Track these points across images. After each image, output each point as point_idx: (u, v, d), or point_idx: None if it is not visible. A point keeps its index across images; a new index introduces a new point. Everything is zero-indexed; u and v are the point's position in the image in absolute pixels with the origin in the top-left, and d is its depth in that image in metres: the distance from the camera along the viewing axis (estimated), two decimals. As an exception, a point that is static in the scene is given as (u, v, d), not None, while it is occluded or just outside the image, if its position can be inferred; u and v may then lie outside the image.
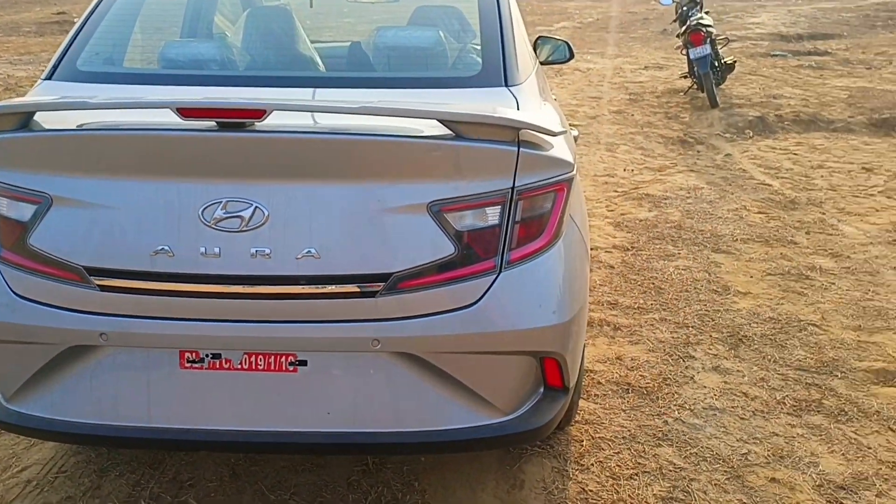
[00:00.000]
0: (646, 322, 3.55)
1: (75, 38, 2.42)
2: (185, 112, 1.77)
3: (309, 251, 1.85)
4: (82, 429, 1.99)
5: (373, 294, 1.88)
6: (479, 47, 2.43)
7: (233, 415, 1.99)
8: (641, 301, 3.76)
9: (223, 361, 1.96)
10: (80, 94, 2.18)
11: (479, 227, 1.92)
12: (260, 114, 1.77)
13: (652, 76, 10.67)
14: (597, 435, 2.72)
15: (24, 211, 1.90)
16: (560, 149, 2.03)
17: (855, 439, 2.68)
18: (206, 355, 1.96)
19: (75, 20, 18.78)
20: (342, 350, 1.95)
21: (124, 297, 1.90)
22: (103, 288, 1.89)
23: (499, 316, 1.94)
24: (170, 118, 1.79)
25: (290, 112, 1.89)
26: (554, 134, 1.97)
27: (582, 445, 2.66)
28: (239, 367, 1.96)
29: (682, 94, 9.06)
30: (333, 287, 1.88)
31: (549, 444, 2.65)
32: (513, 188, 1.92)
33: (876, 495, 2.41)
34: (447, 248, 1.89)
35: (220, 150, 1.84)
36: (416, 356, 1.94)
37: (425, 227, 1.88)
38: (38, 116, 1.90)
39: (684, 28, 8.67)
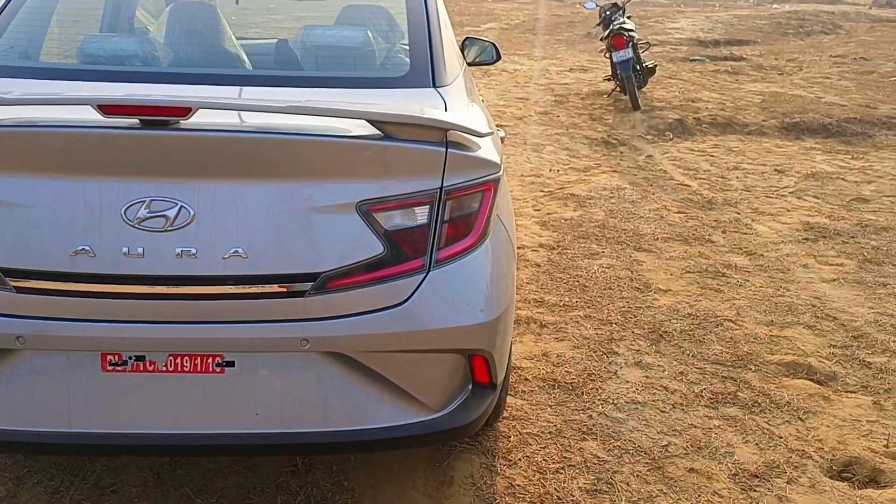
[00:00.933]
0: (571, 319, 3.63)
1: None
2: (106, 109, 1.72)
3: (236, 251, 1.83)
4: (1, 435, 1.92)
5: (301, 294, 1.88)
6: (407, 48, 2.45)
7: (158, 418, 1.95)
8: (567, 298, 3.84)
9: (147, 364, 1.92)
10: None
11: (408, 226, 1.94)
12: (185, 111, 1.74)
13: (577, 78, 10.89)
14: (524, 430, 2.77)
15: None
16: (487, 150, 2.07)
17: (767, 429, 2.81)
18: (130, 358, 1.91)
19: None
20: (270, 350, 1.93)
21: (43, 299, 1.84)
22: (20, 290, 1.83)
23: (427, 314, 1.96)
24: (91, 115, 1.75)
25: (217, 110, 1.86)
26: (481, 135, 2.00)
27: (510, 441, 2.71)
28: (164, 369, 1.92)
29: (605, 96, 9.28)
30: (261, 287, 1.86)
31: (478, 440, 2.69)
32: (441, 188, 1.94)
33: (786, 482, 2.53)
34: (376, 248, 1.90)
35: (144, 148, 1.80)
36: (345, 355, 1.94)
37: (354, 226, 1.88)
38: None
39: (608, 32, 8.89)
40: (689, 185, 5.93)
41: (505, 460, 2.61)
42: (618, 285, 4.03)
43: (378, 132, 1.86)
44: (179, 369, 1.93)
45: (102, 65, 2.35)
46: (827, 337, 3.49)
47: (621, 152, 7.06)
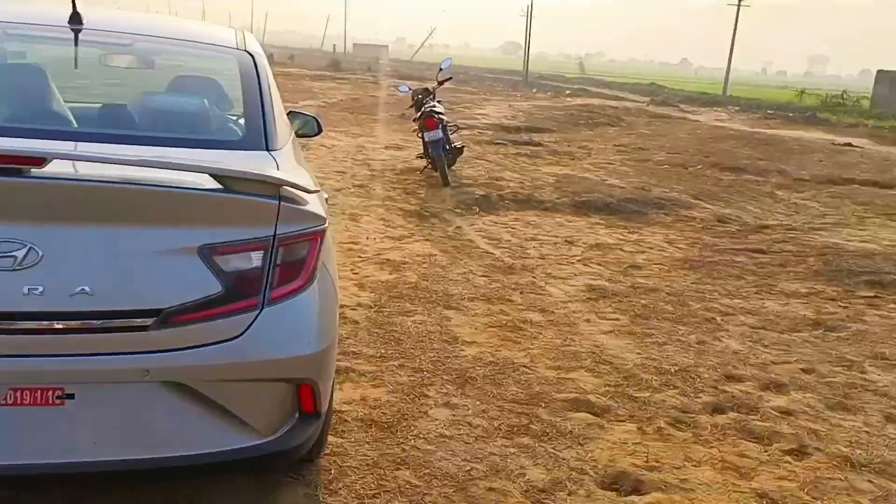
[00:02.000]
0: (387, 368, 3.97)
1: None
2: None
3: (83, 289, 2.01)
4: None
5: (144, 328, 2.08)
6: (240, 114, 2.75)
7: None
8: (383, 351, 4.19)
9: None
10: None
11: (244, 268, 2.21)
12: (40, 161, 1.93)
13: (392, 155, 11.53)
14: (344, 464, 3.04)
15: None
16: (314, 205, 2.40)
17: (553, 453, 3.27)
18: None
19: None
20: (113, 381, 2.10)
21: None
22: None
23: (261, 347, 2.23)
24: None
25: (68, 161, 2.06)
26: (309, 191, 2.34)
27: (331, 473, 2.96)
28: (4, 402, 2.03)
29: (418, 172, 9.94)
30: (106, 322, 2.05)
31: (301, 473, 2.92)
32: (274, 236, 2.24)
33: (568, 494, 2.98)
34: (215, 287, 2.15)
35: None
36: (183, 385, 2.15)
37: (196, 267, 2.13)
38: None
39: (420, 114, 9.60)
40: (492, 253, 6.55)
41: (326, 490, 2.86)
42: (429, 338, 4.44)
43: (220, 185, 2.14)
44: (19, 402, 2.05)
45: None
46: (603, 378, 4.07)
47: (433, 223, 7.62)
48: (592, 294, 5.54)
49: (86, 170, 2.09)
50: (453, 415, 3.54)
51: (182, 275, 2.12)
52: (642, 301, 5.42)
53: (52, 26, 2.94)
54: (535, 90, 37.98)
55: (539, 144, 14.35)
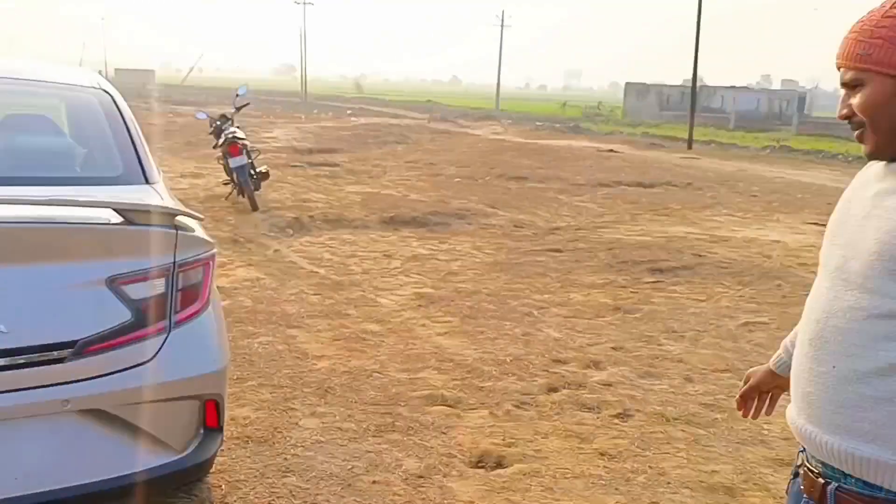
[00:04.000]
0: (248, 388, 4.08)
1: None
2: None
3: None
4: None
5: (61, 360, 2.14)
6: (113, 151, 2.81)
7: None
8: (239, 373, 4.28)
9: None
10: None
11: (150, 295, 2.32)
12: (-50, 205, 1.95)
13: (191, 184, 11.28)
14: (232, 479, 3.16)
15: None
16: (201, 232, 2.55)
17: (422, 444, 3.59)
18: None
19: None
20: (32, 415, 2.13)
21: None
22: None
23: (172, 367, 2.35)
24: None
25: None
26: (199, 219, 2.49)
27: (222, 489, 3.08)
28: None
29: (223, 199, 9.84)
30: (23, 358, 2.08)
31: (193, 493, 3.01)
32: (174, 262, 2.37)
33: (443, 476, 3.32)
34: (125, 315, 2.25)
35: None
36: (102, 411, 2.23)
37: (105, 298, 2.22)
38: None
39: (222, 140, 9.54)
40: (318, 272, 6.75)
41: (222, 503, 2.97)
42: (280, 356, 4.59)
43: (122, 219, 2.25)
44: None
45: None
46: (449, 374, 4.47)
47: (250, 248, 7.65)
48: (421, 301, 5.94)
49: None
50: (322, 422, 3.75)
51: (93, 306, 2.19)
52: (467, 303, 5.91)
53: None
54: (316, 111, 38.17)
55: (335, 165, 14.66)
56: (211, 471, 3.13)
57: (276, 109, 35.76)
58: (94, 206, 2.20)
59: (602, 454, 3.56)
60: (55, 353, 2.13)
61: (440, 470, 3.36)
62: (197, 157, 14.06)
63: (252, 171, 9.50)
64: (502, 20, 46.06)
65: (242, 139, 9.51)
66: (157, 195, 2.61)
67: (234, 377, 4.21)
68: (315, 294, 6.02)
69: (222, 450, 3.37)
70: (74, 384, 2.16)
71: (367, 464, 3.37)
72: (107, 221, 2.23)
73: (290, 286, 6.22)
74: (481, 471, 3.40)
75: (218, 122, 10.04)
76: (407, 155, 17.42)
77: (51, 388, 2.13)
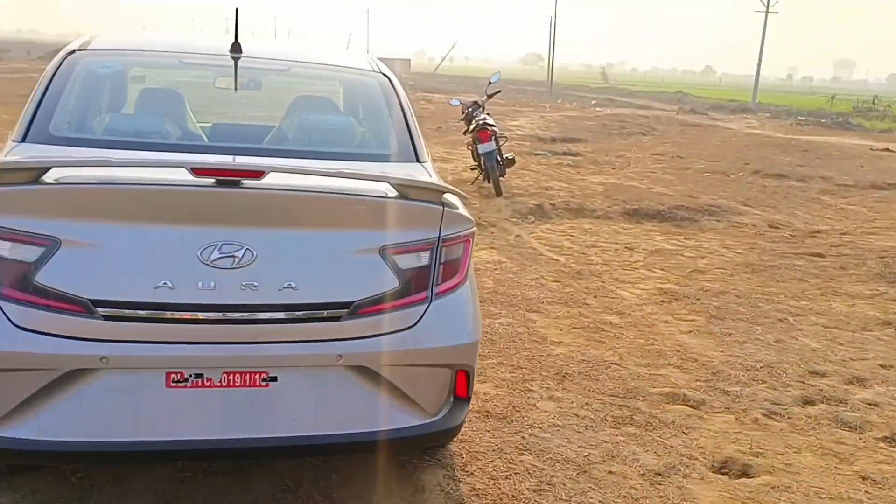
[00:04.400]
0: (488, 365, 4.22)
1: (40, 106, 2.67)
2: (197, 171, 2.17)
3: (289, 284, 2.29)
4: (72, 447, 2.20)
5: (338, 318, 2.35)
6: (390, 131, 3.02)
7: (211, 426, 2.32)
8: (481, 350, 4.41)
9: (205, 380, 2.30)
10: (59, 155, 2.45)
11: (416, 266, 2.48)
12: (260, 174, 2.22)
13: (439, 167, 11.80)
14: (472, 450, 3.29)
15: (30, 253, 2.14)
16: (463, 209, 2.67)
17: (661, 441, 3.50)
18: (190, 375, 2.28)
19: None
20: (311, 365, 2.37)
21: (126, 325, 2.19)
22: (107, 317, 2.17)
23: (431, 336, 2.49)
24: (174, 175, 2.18)
25: (275, 173, 2.34)
26: (465, 198, 2.60)
27: (463, 458, 3.21)
28: (219, 384, 2.31)
29: (469, 183, 10.20)
30: (308, 313, 2.32)
31: (437, 458, 3.18)
32: (439, 237, 2.50)
33: (683, 477, 3.20)
34: (394, 282, 2.42)
35: (220, 202, 2.24)
36: (368, 369, 2.42)
37: (378, 265, 2.40)
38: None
39: (473, 126, 9.87)
40: (557, 260, 6.78)
41: (463, 471, 3.11)
42: (519, 339, 4.68)
43: (397, 193, 2.41)
44: (231, 384, 2.32)
45: (143, 137, 2.75)
46: (693, 374, 4.29)
47: (492, 232, 7.87)
48: (664, 297, 5.76)
49: (290, 181, 2.36)
50: (559, 407, 3.78)
51: (367, 272, 2.38)
52: (714, 303, 5.63)
53: (217, 55, 3.24)
54: (560, 101, 38.23)
55: (578, 154, 14.59)
56: (455, 439, 3.30)
57: (521, 98, 36.30)
58: (373, 180, 2.39)
59: (864, 478, 3.24)
60: (333, 311, 2.34)
61: (680, 470, 3.25)
62: (445, 143, 14.68)
63: (499, 158, 9.74)
64: (767, 5, 42.84)
65: (492, 126, 9.77)
66: (426, 173, 2.78)
67: (478, 353, 4.37)
68: (554, 281, 6.06)
69: (466, 420, 3.53)
70: (347, 341, 2.37)
71: (603, 453, 3.35)
72: (383, 195, 2.40)
73: (530, 271, 6.31)
74: (724, 477, 3.24)
75: (469, 109, 10.38)
76: (653, 147, 16.89)
77: (328, 342, 2.35)
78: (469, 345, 2.58)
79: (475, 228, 2.69)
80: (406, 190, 2.42)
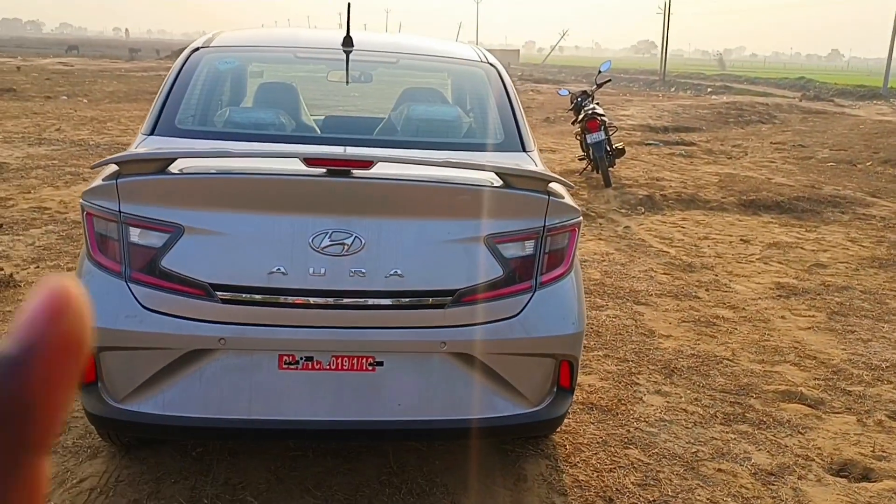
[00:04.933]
0: (593, 358, 4.17)
1: (166, 102, 2.84)
2: (310, 161, 2.25)
3: (395, 272, 2.34)
4: (192, 422, 2.35)
5: (442, 306, 2.39)
6: (497, 120, 3.04)
7: (320, 408, 2.41)
8: (586, 342, 4.39)
9: (315, 363, 2.39)
10: (186, 147, 2.61)
11: (521, 255, 2.48)
12: (369, 164, 2.28)
13: (547, 158, 11.71)
14: (576, 441, 3.27)
15: (156, 239, 2.29)
16: (569, 199, 2.64)
17: (774, 441, 3.37)
18: (301, 358, 2.38)
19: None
20: (415, 351, 2.43)
21: (242, 309, 2.31)
22: (225, 301, 2.30)
23: (534, 325, 2.49)
24: (287, 165, 2.27)
25: (383, 164, 2.40)
26: (571, 187, 2.58)
27: (566, 449, 3.20)
28: (328, 367, 2.40)
29: (577, 174, 10.07)
30: (413, 300, 2.37)
31: (539, 448, 3.18)
32: (544, 227, 2.49)
33: (797, 478, 3.07)
34: (498, 271, 2.43)
35: (331, 191, 2.32)
36: (471, 356, 2.45)
37: (482, 254, 2.42)
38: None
39: (581, 116, 9.73)
40: (667, 252, 6.61)
41: (566, 462, 3.10)
42: (626, 331, 4.60)
43: (501, 182, 2.43)
44: (340, 368, 2.40)
45: (260, 129, 2.89)
46: (811, 372, 4.10)
47: (600, 224, 7.75)
48: (781, 291, 5.52)
49: (398, 171, 2.42)
50: (667, 402, 3.70)
51: (471, 260, 2.41)
52: (836, 299, 5.35)
53: (329, 48, 3.35)
54: (673, 89, 37.11)
55: (692, 144, 14.13)
56: (558, 429, 3.29)
57: (632, 87, 35.51)
58: (478, 169, 2.41)
59: None
60: (438, 299, 2.39)
61: (794, 471, 3.12)
62: (553, 133, 14.54)
63: (608, 148, 9.56)
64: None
65: (602, 115, 9.60)
66: (532, 162, 2.77)
67: (583, 345, 4.33)
68: (664, 273, 5.91)
69: (570, 412, 3.51)
70: (451, 329, 2.41)
71: (712, 450, 3.25)
72: (489, 184, 2.42)
73: (639, 263, 6.19)
74: (843, 480, 3.09)
75: (579, 99, 10.24)
76: (772, 136, 16.15)
77: (433, 329, 2.40)
78: (573, 335, 2.57)
79: (581, 218, 2.66)
80: (511, 179, 2.42)
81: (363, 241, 2.33)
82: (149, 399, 2.36)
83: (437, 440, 2.98)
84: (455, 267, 2.41)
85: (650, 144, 13.88)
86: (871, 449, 3.29)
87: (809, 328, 4.77)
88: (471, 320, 2.43)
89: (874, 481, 3.08)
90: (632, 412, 3.56)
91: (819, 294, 5.45)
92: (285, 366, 2.38)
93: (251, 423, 2.38)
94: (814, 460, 3.21)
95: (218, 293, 2.29)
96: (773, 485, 3.03)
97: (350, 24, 3.15)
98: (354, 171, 2.29)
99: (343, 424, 2.42)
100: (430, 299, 2.39)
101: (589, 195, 9.01)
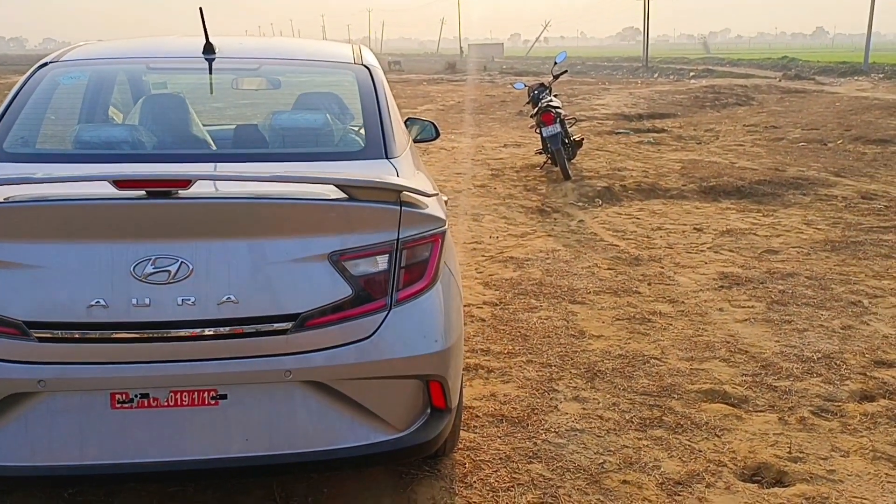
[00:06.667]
0: (515, 364, 4.01)
1: None
2: (120, 184, 2.09)
3: (229, 297, 2.18)
4: (19, 471, 2.18)
5: (284, 332, 2.23)
6: (361, 128, 2.88)
7: (160, 447, 2.24)
8: (510, 347, 4.23)
9: (151, 400, 2.23)
10: (8, 173, 2.44)
11: (372, 272, 2.32)
12: (186, 183, 2.11)
13: (511, 153, 11.56)
14: (477, 458, 3.11)
15: None
16: (434, 208, 2.48)
17: (689, 445, 3.21)
18: (136, 395, 2.22)
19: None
20: (259, 382, 2.26)
21: (61, 347, 2.14)
22: (41, 339, 2.13)
23: (391, 346, 2.33)
24: (102, 189, 2.10)
25: (209, 181, 2.24)
26: (428, 195, 2.42)
27: (465, 467, 3.04)
28: (165, 403, 2.23)
29: (538, 168, 9.92)
30: (251, 327, 2.21)
31: (437, 468, 3.01)
32: (397, 239, 2.33)
33: (706, 486, 2.92)
34: (346, 291, 2.27)
35: (150, 214, 2.16)
36: (322, 383, 2.29)
37: (327, 273, 2.25)
38: None
39: (536, 109, 9.58)
40: (617, 245, 6.46)
41: (462, 483, 2.94)
42: (555, 333, 4.44)
43: (344, 195, 2.26)
44: (179, 403, 2.24)
45: (94, 149, 2.71)
46: (739, 367, 3.95)
47: (555, 219, 7.60)
48: (725, 282, 5.36)
49: (226, 188, 2.25)
50: (583, 408, 3.54)
51: (315, 281, 2.25)
52: (779, 287, 5.19)
53: (188, 58, 3.18)
54: (656, 75, 36.98)
55: (662, 131, 13.99)
56: (458, 446, 3.13)
57: (612, 75, 35.38)
58: (316, 182, 2.25)
59: (920, 488, 2.85)
60: (279, 324, 2.22)
61: (704, 478, 2.97)
62: (523, 128, 14.37)
63: (566, 140, 9.41)
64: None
65: (557, 108, 9.44)
66: (391, 169, 2.61)
67: (505, 352, 4.17)
68: (608, 269, 5.75)
69: (476, 426, 3.35)
70: (296, 356, 2.24)
71: (621, 460, 3.09)
72: (329, 197, 2.25)
73: (585, 259, 6.03)
74: (754, 486, 2.93)
75: (535, 92, 10.08)
76: (747, 118, 16.00)
77: (275, 357, 2.23)
78: (437, 353, 2.40)
79: (446, 227, 2.50)
80: (354, 191, 2.26)
81: (190, 267, 2.16)
82: None
83: (293, 475, 2.82)
84: (296, 289, 2.24)
85: (620, 133, 13.73)
86: (788, 450, 3.14)
87: (746, 320, 4.61)
88: (318, 345, 2.26)
89: (787, 485, 2.93)
90: (543, 422, 3.40)
91: (762, 283, 5.29)
92: (119, 405, 2.22)
93: (84, 468, 2.21)
94: (726, 465, 3.05)
95: (33, 331, 2.13)
96: (679, 495, 2.87)
97: (207, 29, 2.98)
98: (174, 192, 2.13)
99: (186, 465, 2.25)
100: (270, 325, 2.22)
101: (547, 189, 8.87)
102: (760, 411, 3.49)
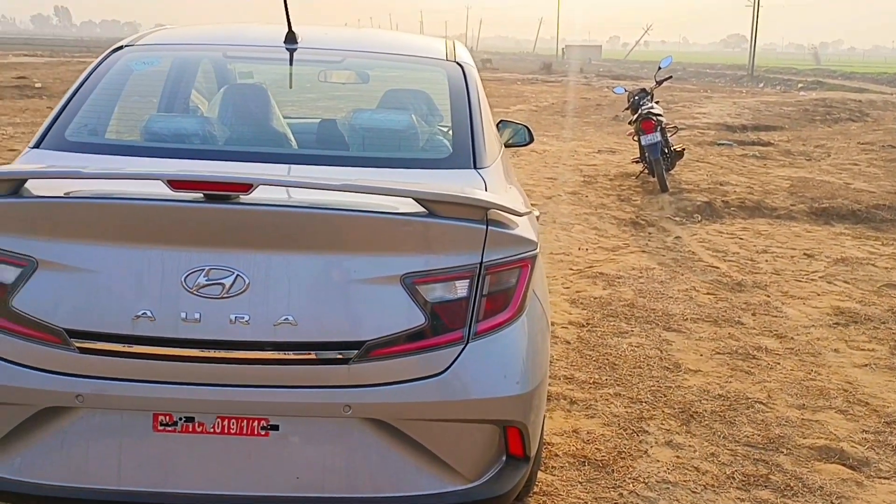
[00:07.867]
0: (601, 396, 3.65)
1: (64, 109, 2.51)
2: (175, 184, 1.86)
3: (286, 318, 1.92)
4: (50, 491, 1.99)
5: (346, 361, 1.96)
6: (449, 130, 2.58)
7: (203, 478, 2.01)
8: (597, 376, 3.87)
9: (196, 425, 2.00)
10: (67, 164, 2.26)
11: (449, 299, 2.02)
12: (247, 188, 1.87)
13: (605, 160, 11.09)
14: (554, 506, 2.78)
15: (7, 273, 1.94)
16: (524, 228, 2.16)
17: (800, 513, 2.79)
18: (180, 418, 1.99)
19: (36, 85, 18.72)
20: (314, 415, 2.00)
21: (103, 360, 1.93)
22: (83, 350, 1.93)
23: (465, 385, 2.03)
24: (159, 189, 1.88)
25: (273, 186, 1.99)
26: (519, 214, 2.10)
27: (540, 516, 2.72)
28: (211, 430, 2.00)
29: (633, 177, 9.44)
30: (308, 354, 1.95)
31: (508, 514, 2.70)
32: (481, 263, 2.03)
33: (820, 568, 2.51)
34: (418, 319, 1.98)
35: (206, 220, 1.92)
36: (385, 422, 2.01)
37: (398, 297, 1.97)
38: (28, 183, 1.97)
39: (636, 116, 9.10)
40: (718, 267, 5.97)
41: (535, 535, 2.62)
42: (647, 364, 4.05)
43: (423, 209, 1.97)
44: (226, 431, 2.00)
45: (165, 142, 2.51)
46: (859, 422, 3.47)
47: (649, 233, 7.14)
48: (840, 318, 4.83)
49: (291, 195, 2.00)
50: (677, 456, 3.15)
51: (384, 305, 1.97)
52: (904, 328, 4.64)
53: (269, 47, 2.96)
54: (762, 85, 35.47)
55: (769, 144, 13.19)
56: (535, 490, 2.81)
57: (716, 83, 34.09)
58: (391, 194, 1.96)
59: None
60: (341, 352, 1.95)
61: (818, 558, 2.55)
62: (619, 133, 13.83)
63: (665, 150, 8.89)
64: None
65: (658, 115, 8.94)
66: (479, 182, 2.30)
67: (591, 381, 3.82)
68: (708, 293, 5.29)
69: (555, 467, 3.02)
70: (357, 389, 1.97)
71: (719, 524, 2.71)
72: (407, 211, 1.97)
73: (682, 280, 5.58)
74: (879, 574, 2.50)
75: (636, 97, 9.59)
76: (862, 135, 14.96)
77: (334, 389, 1.97)
78: (519, 396, 2.09)
79: (537, 251, 2.18)
80: (434, 206, 1.97)
81: (246, 281, 1.92)
82: (2, 462, 2.02)
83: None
84: (362, 313, 1.97)
85: (722, 144, 13.02)
86: (921, 532, 2.69)
87: (866, 365, 4.11)
88: (383, 379, 1.98)
89: (920, 576, 2.48)
90: (631, 469, 3.04)
91: (884, 322, 4.74)
92: (161, 427, 2.00)
93: (121, 494, 2.00)
94: (845, 544, 2.63)
95: (74, 341, 1.93)
96: (789, 576, 2.47)
97: (290, 18, 2.73)
98: (242, 196, 1.89)
99: (230, 500, 2.01)
100: (331, 353, 1.95)
101: (642, 200, 8.40)
102: (885, 478, 3.03)
